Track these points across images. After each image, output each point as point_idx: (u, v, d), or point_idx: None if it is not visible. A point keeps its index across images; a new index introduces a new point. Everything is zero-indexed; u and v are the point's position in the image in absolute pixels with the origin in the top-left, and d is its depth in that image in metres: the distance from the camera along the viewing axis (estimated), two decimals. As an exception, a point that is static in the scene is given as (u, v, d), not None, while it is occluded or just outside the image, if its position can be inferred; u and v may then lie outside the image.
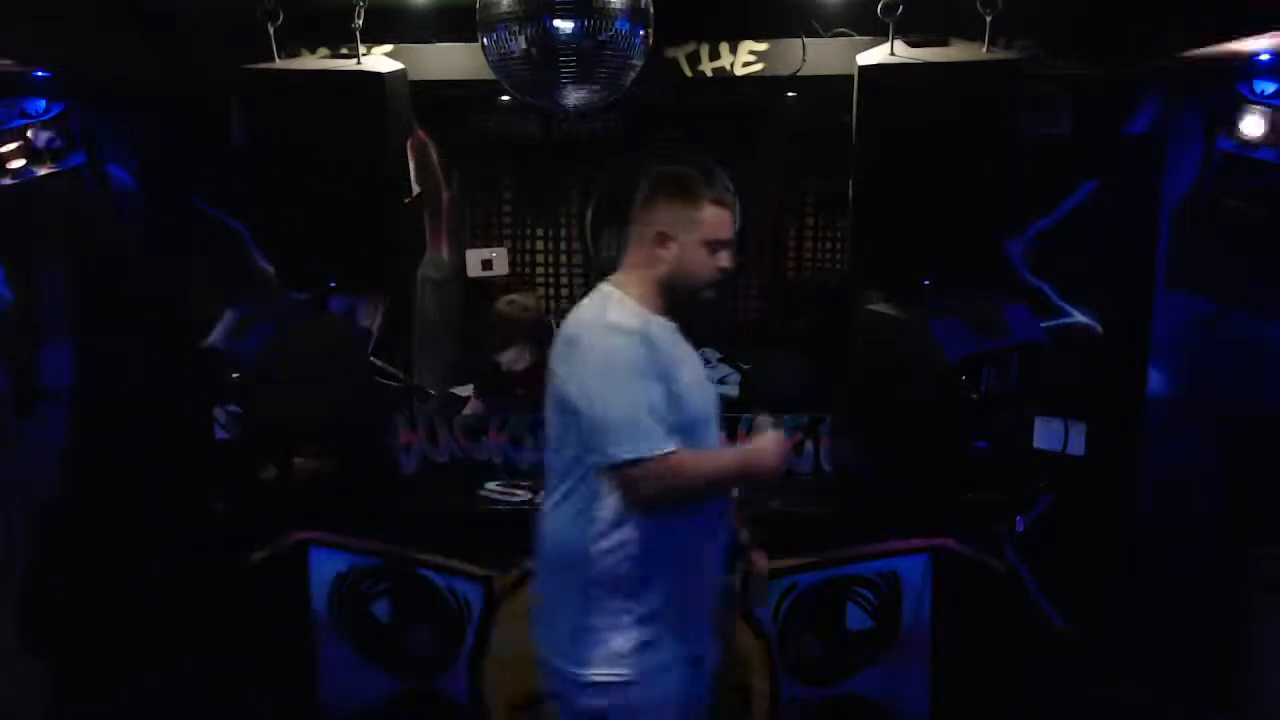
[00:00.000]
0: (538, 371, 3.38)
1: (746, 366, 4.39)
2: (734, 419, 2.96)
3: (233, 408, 3.15)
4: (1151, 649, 3.25)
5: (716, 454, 2.04)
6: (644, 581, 1.87)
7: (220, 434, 3.20)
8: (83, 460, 3.43)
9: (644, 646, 1.86)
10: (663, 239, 1.94)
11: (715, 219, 1.96)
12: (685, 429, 1.88)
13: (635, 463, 1.79)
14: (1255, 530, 3.12)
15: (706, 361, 4.46)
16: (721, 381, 4.33)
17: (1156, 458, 3.33)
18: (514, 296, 3.50)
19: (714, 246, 1.96)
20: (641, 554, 1.85)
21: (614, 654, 1.85)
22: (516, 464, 3.01)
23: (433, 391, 3.80)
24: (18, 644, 3.19)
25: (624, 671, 1.85)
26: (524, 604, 2.77)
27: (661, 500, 1.85)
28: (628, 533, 1.85)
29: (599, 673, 1.85)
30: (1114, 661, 3.30)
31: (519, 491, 2.88)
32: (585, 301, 1.98)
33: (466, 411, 3.52)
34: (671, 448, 1.81)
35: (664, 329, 1.94)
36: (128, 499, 3.39)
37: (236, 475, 3.09)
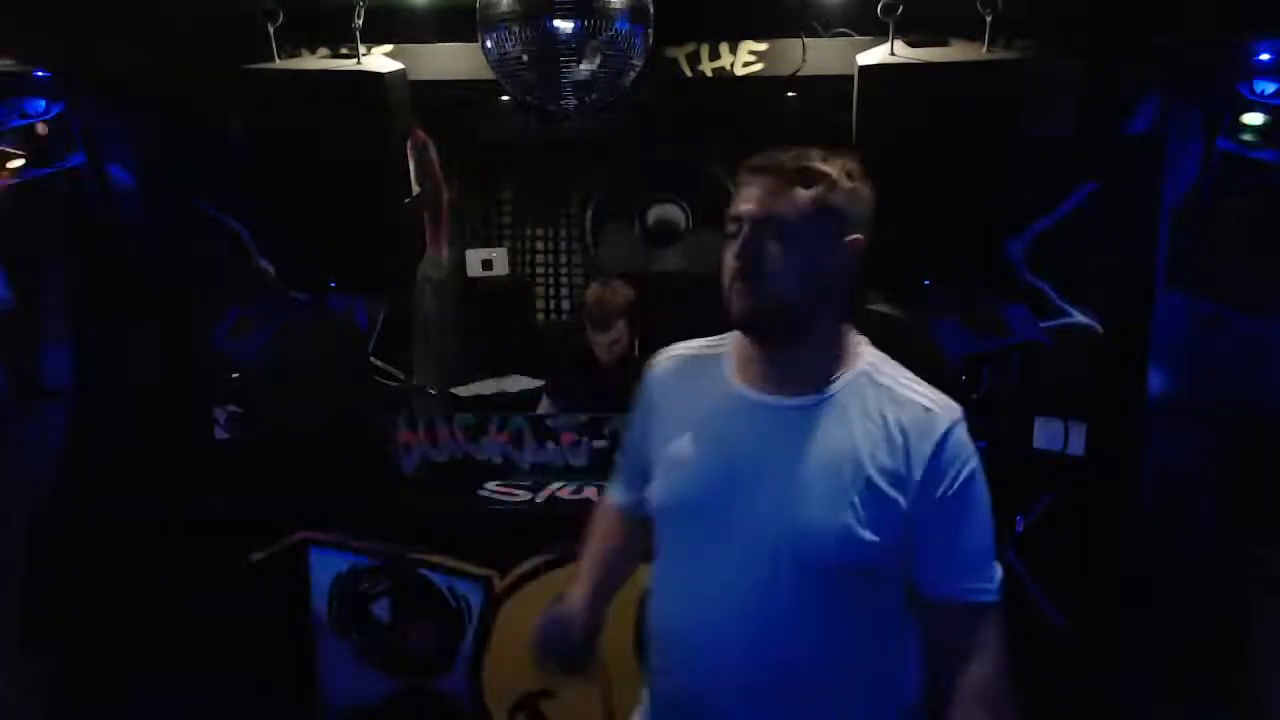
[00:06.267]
0: (629, 362, 3.32)
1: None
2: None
3: (233, 408, 3.16)
4: (1151, 649, 3.25)
5: None
6: None
7: (220, 434, 3.21)
8: (83, 460, 3.42)
9: None
10: None
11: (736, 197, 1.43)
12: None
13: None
14: (1255, 530, 3.12)
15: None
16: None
17: (1156, 458, 3.32)
18: (607, 282, 3.41)
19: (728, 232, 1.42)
20: None
21: None
22: (517, 464, 3.01)
23: (433, 391, 3.80)
24: (18, 644, 3.19)
25: None
26: (524, 604, 2.79)
27: None
28: None
29: None
30: (1114, 661, 3.30)
31: (519, 491, 2.88)
32: None
33: (540, 411, 3.43)
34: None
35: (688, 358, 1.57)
36: (128, 499, 3.38)
37: (236, 475, 3.09)
